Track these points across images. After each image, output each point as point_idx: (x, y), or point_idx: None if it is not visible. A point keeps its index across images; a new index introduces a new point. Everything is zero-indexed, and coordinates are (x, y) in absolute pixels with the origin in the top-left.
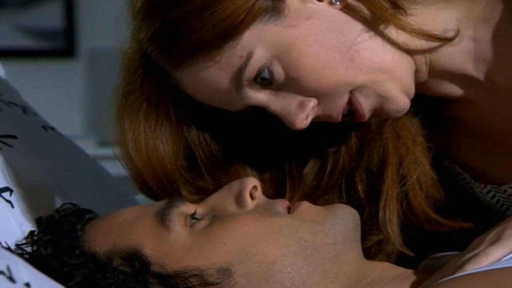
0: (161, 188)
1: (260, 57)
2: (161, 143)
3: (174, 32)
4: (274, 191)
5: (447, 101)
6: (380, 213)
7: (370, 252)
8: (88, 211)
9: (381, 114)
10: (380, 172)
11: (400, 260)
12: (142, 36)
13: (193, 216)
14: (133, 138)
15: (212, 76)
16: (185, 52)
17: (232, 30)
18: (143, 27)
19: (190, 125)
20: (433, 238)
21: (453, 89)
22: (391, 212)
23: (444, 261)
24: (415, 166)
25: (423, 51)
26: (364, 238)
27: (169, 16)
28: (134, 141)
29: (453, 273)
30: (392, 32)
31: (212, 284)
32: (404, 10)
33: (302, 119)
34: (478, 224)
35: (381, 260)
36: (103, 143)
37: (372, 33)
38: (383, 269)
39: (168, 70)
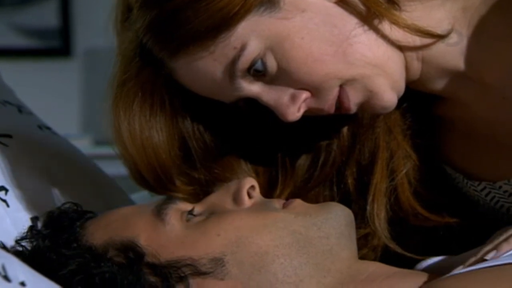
0: (155, 178)
1: (253, 49)
2: (156, 132)
3: (169, 22)
4: (266, 182)
5: (438, 100)
6: (368, 207)
7: (357, 245)
8: (88, 212)
9: (367, 110)
10: (370, 166)
11: (385, 256)
12: (138, 25)
13: (190, 212)
14: (128, 128)
15: (206, 66)
16: (180, 42)
17: (227, 21)
18: (139, 16)
19: (185, 116)
20: (420, 233)
21: (445, 87)
22: (379, 206)
23: (435, 265)
24: (404, 161)
25: (415, 48)
26: None
27: (165, 6)
28: (129, 130)
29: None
30: (385, 27)
31: (204, 273)
32: (398, 5)
33: (294, 111)
34: (465, 220)
35: (366, 254)
36: (98, 143)
37: (366, 28)
38: (378, 267)
39: (163, 60)
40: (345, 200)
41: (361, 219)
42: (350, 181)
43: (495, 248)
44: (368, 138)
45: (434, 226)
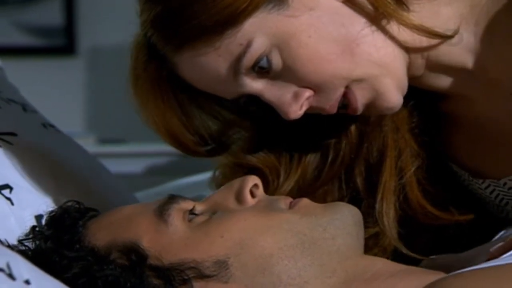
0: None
1: (259, 46)
2: (171, 123)
3: (176, 16)
4: (273, 178)
5: (443, 98)
6: (377, 205)
7: (367, 244)
8: (91, 209)
9: (372, 110)
10: (379, 164)
11: (396, 255)
12: (143, 19)
13: (192, 211)
14: (151, 119)
15: (210, 62)
16: (185, 37)
17: (234, 17)
18: (145, 10)
19: (190, 110)
20: (429, 232)
21: (449, 83)
22: (388, 205)
23: (439, 263)
24: (412, 159)
25: (422, 49)
26: None
27: (172, 0)
28: (154, 122)
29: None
30: (394, 28)
31: (208, 276)
32: (407, 6)
33: (296, 109)
34: (474, 218)
35: (377, 254)
36: (103, 141)
37: (374, 28)
38: (383, 265)
39: (166, 55)
40: (354, 199)
41: (371, 217)
42: (358, 179)
43: None
44: (376, 136)
45: (444, 225)
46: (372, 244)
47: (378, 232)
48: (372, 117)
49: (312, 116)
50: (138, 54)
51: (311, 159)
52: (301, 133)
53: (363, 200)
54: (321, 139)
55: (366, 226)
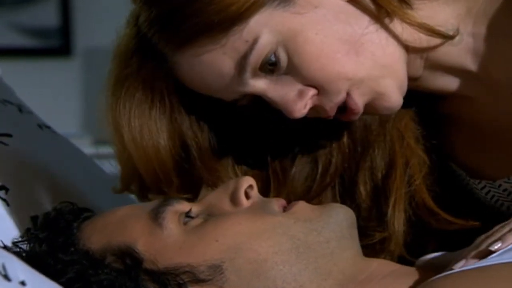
0: (153, 177)
1: (266, 43)
2: (156, 129)
3: (180, 13)
4: (261, 187)
5: (441, 98)
6: (389, 212)
7: (374, 249)
8: (85, 209)
9: (371, 110)
10: (387, 173)
11: (402, 260)
12: (142, 19)
13: (187, 214)
14: (128, 124)
15: (214, 60)
16: (189, 33)
17: (241, 14)
18: (144, 10)
19: (182, 113)
20: (440, 236)
21: (449, 84)
22: (399, 212)
23: (432, 262)
24: (420, 166)
25: (422, 49)
26: (367, 235)
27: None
28: (128, 126)
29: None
30: (397, 26)
31: (203, 280)
32: (409, 4)
33: (301, 108)
34: (487, 221)
35: (384, 259)
36: (98, 142)
37: (378, 26)
38: (379, 265)
39: (167, 54)
40: (354, 207)
41: (380, 223)
42: (362, 188)
43: (500, 239)
44: (380, 145)
45: (457, 230)
46: (380, 249)
47: (385, 238)
48: (374, 125)
49: (303, 124)
50: (132, 55)
51: (300, 170)
52: (290, 143)
53: (366, 208)
54: (311, 149)
55: (373, 231)
